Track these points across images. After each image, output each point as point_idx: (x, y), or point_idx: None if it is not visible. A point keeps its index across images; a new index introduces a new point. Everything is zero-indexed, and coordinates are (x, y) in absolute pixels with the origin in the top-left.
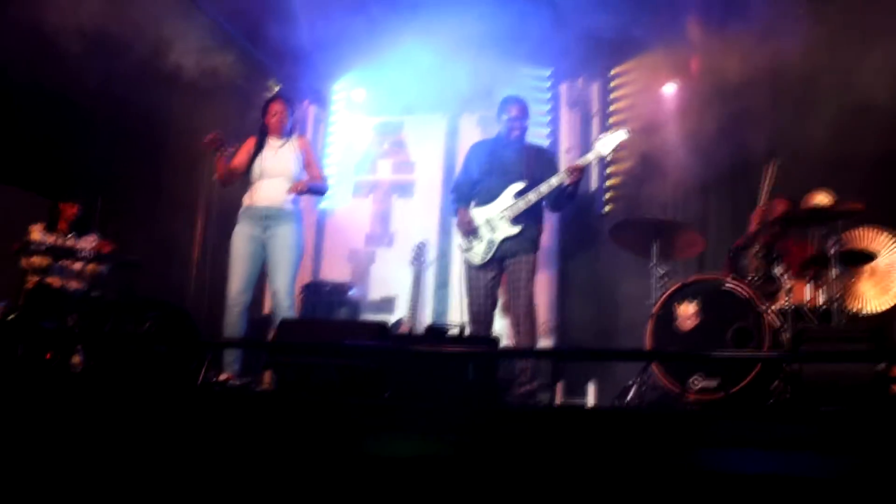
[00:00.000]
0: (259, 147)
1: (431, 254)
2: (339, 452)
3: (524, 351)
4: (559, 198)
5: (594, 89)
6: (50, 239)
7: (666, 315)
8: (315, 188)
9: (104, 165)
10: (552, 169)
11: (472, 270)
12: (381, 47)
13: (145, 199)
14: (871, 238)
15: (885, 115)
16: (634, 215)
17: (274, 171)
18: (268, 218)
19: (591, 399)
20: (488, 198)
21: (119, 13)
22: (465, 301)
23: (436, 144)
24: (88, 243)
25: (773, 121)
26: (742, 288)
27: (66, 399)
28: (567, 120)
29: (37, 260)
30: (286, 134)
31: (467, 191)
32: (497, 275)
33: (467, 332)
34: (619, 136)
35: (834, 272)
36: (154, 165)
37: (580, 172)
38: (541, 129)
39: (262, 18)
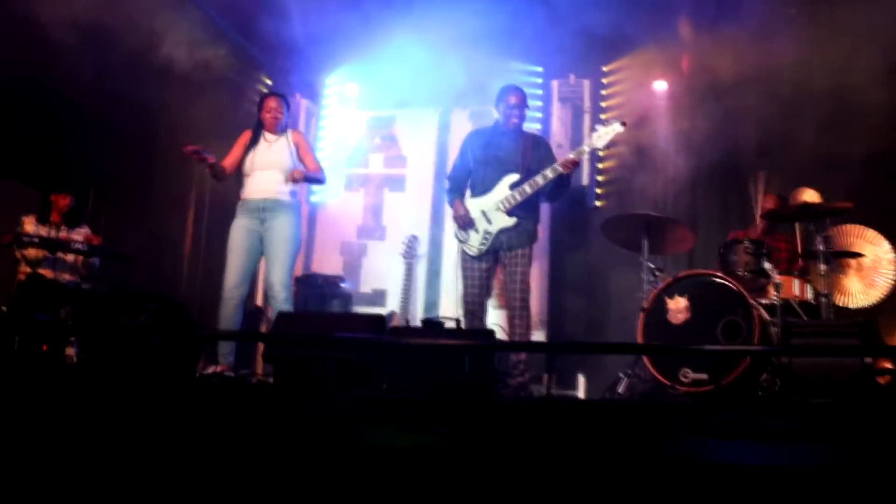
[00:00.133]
0: (254, 142)
1: (423, 247)
2: (336, 444)
3: (519, 344)
4: (554, 189)
5: (586, 86)
6: (42, 231)
7: (657, 309)
8: (312, 178)
9: (96, 158)
10: (548, 159)
11: (468, 260)
12: (374, 42)
13: (137, 191)
14: (856, 235)
15: (873, 116)
16: (626, 211)
17: (267, 164)
18: (264, 210)
19: (581, 391)
20: (484, 188)
21: (111, 6)
22: (460, 290)
23: (427, 139)
24: (80, 235)
25: (763, 119)
26: (732, 283)
27: (65, 391)
28: (558, 116)
29: (31, 252)
30: (281, 130)
31: (463, 179)
32: (492, 265)
33: (462, 323)
34: (614, 128)
35: (822, 268)
36: (146, 158)
37: (575, 164)
38: (532, 124)
39: (255, 12)
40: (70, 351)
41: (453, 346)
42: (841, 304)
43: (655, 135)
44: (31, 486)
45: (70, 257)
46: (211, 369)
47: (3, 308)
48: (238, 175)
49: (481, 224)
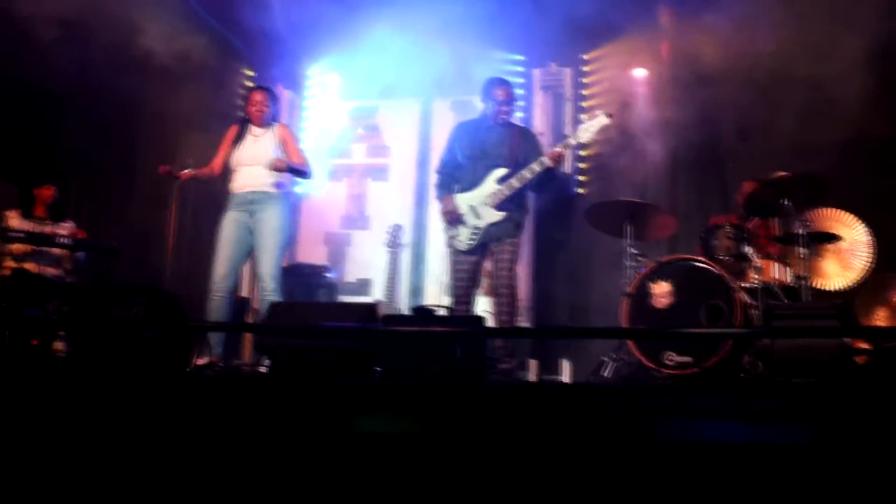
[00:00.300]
0: (240, 136)
1: (407, 236)
2: (330, 432)
3: (510, 330)
4: (541, 182)
5: (567, 74)
6: (27, 226)
7: (641, 294)
8: (296, 169)
9: (76, 152)
10: (535, 152)
11: (457, 254)
12: (356, 32)
13: (119, 184)
14: (833, 218)
15: (848, 102)
16: (608, 197)
17: (253, 158)
18: (253, 203)
19: (566, 376)
20: (472, 183)
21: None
22: (449, 283)
23: (410, 129)
24: (65, 230)
25: (742, 105)
26: (714, 267)
27: (60, 386)
28: (540, 104)
29: (16, 247)
30: (267, 123)
31: (451, 173)
32: (481, 258)
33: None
34: (600, 121)
35: (801, 251)
36: (127, 151)
37: (561, 157)
38: (514, 113)
39: (236, 3)
40: (59, 345)
41: (445, 333)
42: (818, 287)
43: (636, 122)
44: (31, 484)
45: (55, 251)
46: (201, 361)
47: None
48: (226, 170)
49: (470, 219)
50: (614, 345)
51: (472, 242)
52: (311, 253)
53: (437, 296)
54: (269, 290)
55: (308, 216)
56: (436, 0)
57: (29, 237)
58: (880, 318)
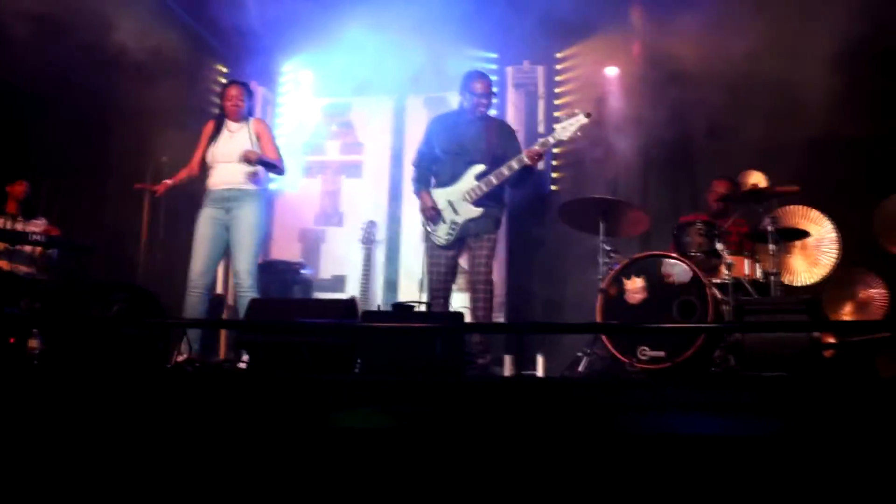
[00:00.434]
0: (216, 132)
1: (381, 232)
2: (310, 427)
3: (489, 325)
4: (519, 179)
5: (540, 72)
6: None
7: (615, 289)
8: (269, 163)
9: (49, 148)
10: (514, 147)
11: (434, 248)
12: (329, 29)
13: (90, 181)
14: (801, 215)
15: (815, 103)
16: (580, 194)
17: (228, 155)
18: (229, 200)
19: (540, 371)
20: (450, 178)
21: None
22: (425, 276)
23: (383, 125)
24: (38, 227)
25: (713, 105)
26: (686, 263)
27: (40, 384)
28: (513, 102)
29: None
30: (243, 118)
31: (427, 166)
32: (457, 252)
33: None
34: (578, 120)
35: (771, 248)
36: (100, 147)
37: (540, 156)
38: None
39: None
40: (33, 343)
41: (425, 329)
42: (787, 282)
43: (608, 120)
44: (23, 483)
45: (27, 249)
46: (179, 358)
47: None
48: (203, 166)
49: (448, 214)
50: (588, 340)
51: (449, 237)
52: (286, 249)
53: (411, 291)
54: (245, 286)
55: (283, 213)
56: None
57: (1, 234)
58: (846, 313)
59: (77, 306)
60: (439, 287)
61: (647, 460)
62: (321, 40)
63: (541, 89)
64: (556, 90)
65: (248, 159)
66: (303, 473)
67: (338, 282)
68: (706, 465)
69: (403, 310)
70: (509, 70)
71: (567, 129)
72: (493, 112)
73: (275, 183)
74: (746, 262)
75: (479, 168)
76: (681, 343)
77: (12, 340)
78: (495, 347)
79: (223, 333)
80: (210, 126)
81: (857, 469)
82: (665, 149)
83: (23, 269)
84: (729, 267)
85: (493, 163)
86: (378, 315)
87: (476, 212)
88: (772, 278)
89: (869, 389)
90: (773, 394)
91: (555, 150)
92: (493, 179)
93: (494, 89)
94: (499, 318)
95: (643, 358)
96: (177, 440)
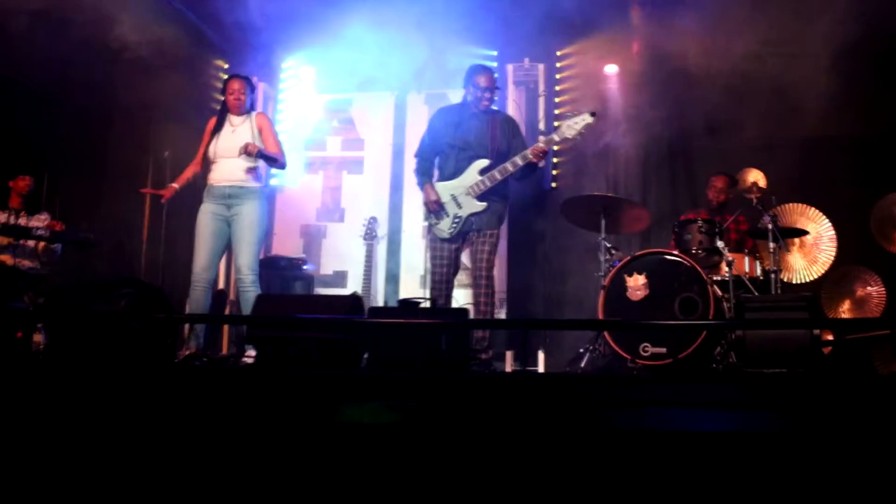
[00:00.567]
0: (218, 127)
1: (382, 228)
2: (318, 422)
3: (493, 321)
4: (523, 175)
5: (540, 70)
6: (2, 217)
7: (617, 286)
8: (270, 156)
9: (49, 142)
10: (518, 141)
11: (437, 241)
12: (330, 25)
13: (92, 175)
14: (799, 213)
15: (816, 102)
16: (580, 191)
17: (230, 150)
18: (231, 196)
19: (541, 366)
20: (453, 172)
21: None
22: (428, 268)
23: (384, 122)
24: (41, 222)
25: (712, 103)
26: (688, 261)
27: (50, 379)
28: (514, 99)
29: None
30: (245, 112)
31: (431, 158)
32: (460, 246)
33: (427, 302)
34: (584, 119)
35: (771, 246)
36: (101, 142)
37: (545, 154)
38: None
39: None
40: (38, 337)
41: (432, 325)
42: (785, 280)
43: (608, 117)
44: (31, 483)
45: (31, 243)
46: (183, 352)
47: None
48: (205, 161)
49: (451, 208)
50: (590, 336)
51: (453, 231)
52: (287, 245)
53: (412, 286)
54: (247, 282)
55: (284, 208)
56: None
57: (6, 229)
58: (844, 310)
59: (84, 302)
60: (441, 280)
61: (650, 456)
62: (322, 36)
63: (541, 87)
64: (557, 88)
65: (248, 152)
66: (311, 467)
67: (339, 277)
68: (708, 461)
69: (410, 306)
70: (510, 67)
71: (572, 127)
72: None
73: (276, 178)
74: (746, 260)
75: (483, 163)
76: (682, 340)
77: (19, 335)
78: (496, 343)
79: (225, 328)
80: (212, 122)
81: (858, 465)
82: (664, 146)
83: (26, 263)
84: (729, 264)
85: (497, 158)
86: (385, 311)
87: (479, 206)
88: (772, 276)
89: (868, 386)
90: (774, 390)
91: (555, 147)
92: (497, 175)
93: (498, 84)
94: (500, 313)
95: (645, 354)
96: (187, 434)
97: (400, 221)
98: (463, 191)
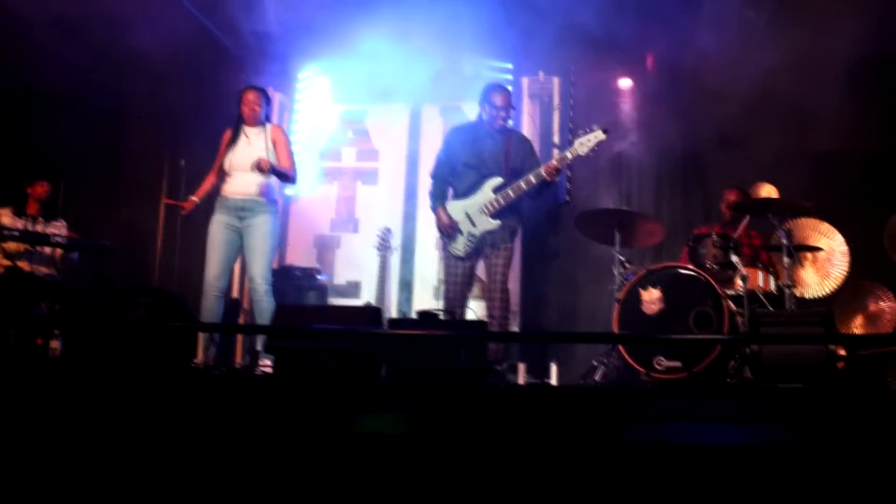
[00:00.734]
0: (234, 139)
1: (396, 239)
2: (337, 432)
3: (512, 334)
4: (536, 193)
5: (555, 83)
6: (20, 224)
7: (631, 300)
8: (281, 172)
9: (65, 150)
10: (532, 160)
11: (451, 258)
12: (347, 37)
13: (108, 183)
14: (812, 228)
15: (829, 116)
16: (593, 205)
17: (244, 163)
18: (243, 209)
19: (554, 379)
20: (467, 190)
21: None
22: (441, 284)
23: (399, 133)
24: (58, 229)
25: (725, 117)
26: (703, 275)
27: (71, 386)
28: (528, 112)
29: (10, 245)
30: (260, 123)
31: (446, 179)
32: (474, 262)
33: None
34: (596, 136)
35: (786, 261)
36: (115, 150)
37: (558, 171)
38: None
39: (228, 3)
40: (55, 344)
41: (451, 337)
42: (798, 295)
43: (622, 131)
44: (48, 485)
45: (48, 250)
46: (203, 361)
47: None
48: (220, 172)
49: (465, 226)
50: (604, 349)
51: (468, 249)
52: (301, 255)
53: (426, 296)
54: (261, 292)
55: (298, 218)
56: (426, 7)
57: (24, 235)
58: (857, 326)
59: (103, 309)
60: (455, 297)
61: (666, 470)
62: (339, 47)
63: (556, 100)
64: (571, 101)
65: (260, 168)
66: (332, 477)
67: (352, 287)
68: (723, 475)
69: (429, 318)
70: (524, 80)
71: (585, 144)
72: (508, 124)
73: (290, 189)
74: (760, 275)
75: (497, 181)
76: (697, 354)
77: (39, 342)
78: (509, 355)
79: (239, 338)
80: (228, 133)
81: (871, 480)
82: (677, 160)
83: (43, 270)
84: (744, 279)
85: (511, 176)
86: (405, 323)
87: (494, 224)
88: (787, 291)
89: (882, 402)
90: (789, 404)
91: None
92: (511, 193)
93: (513, 102)
94: (513, 326)
95: (659, 368)
96: (207, 443)
97: (414, 229)
98: (477, 209)
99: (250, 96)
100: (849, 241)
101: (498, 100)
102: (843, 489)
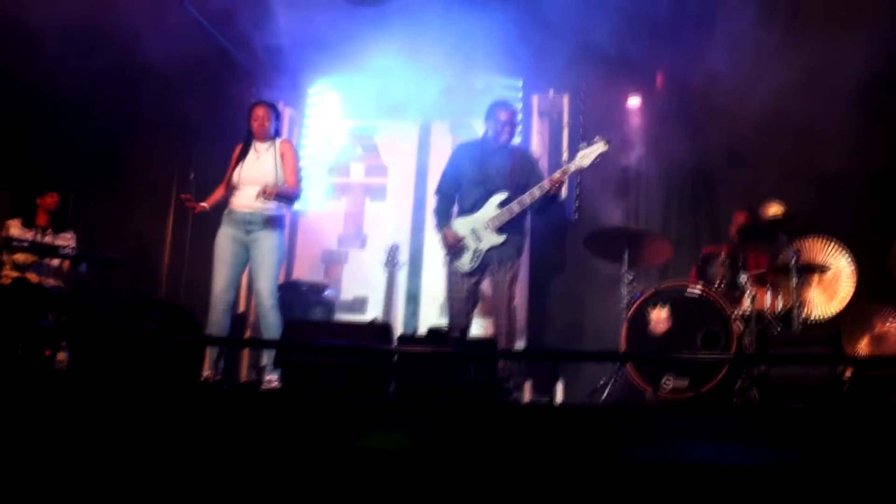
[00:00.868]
0: (243, 153)
1: (403, 255)
2: (343, 447)
3: (524, 352)
4: (541, 206)
5: (565, 101)
6: (28, 235)
7: (639, 319)
8: (284, 195)
9: (75, 161)
10: (536, 175)
11: (456, 276)
12: (356, 53)
13: (117, 195)
14: (819, 247)
15: (838, 136)
16: (601, 223)
17: (254, 178)
18: (250, 223)
19: (559, 397)
20: (472, 206)
21: (94, 7)
22: (448, 302)
23: (408, 150)
24: (66, 240)
25: (734, 136)
26: (711, 295)
27: (79, 398)
28: (538, 130)
29: (19, 256)
30: (269, 137)
31: (450, 195)
32: (480, 279)
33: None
34: (598, 147)
35: (794, 281)
36: (126, 162)
37: (561, 183)
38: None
39: (240, 17)
40: (62, 356)
41: (461, 354)
42: (805, 315)
43: (630, 149)
44: (56, 496)
45: (55, 262)
46: (211, 375)
47: None
48: (229, 186)
49: (471, 242)
50: (610, 367)
51: (473, 265)
52: (308, 270)
53: (432, 312)
54: (267, 306)
55: (306, 233)
56: (436, 24)
57: (33, 247)
58: (863, 347)
59: (111, 321)
60: (460, 314)
61: (675, 489)
62: (349, 63)
63: (565, 118)
64: (581, 119)
65: (266, 197)
66: (340, 493)
67: (359, 303)
68: (730, 495)
69: (439, 335)
70: (534, 98)
71: (587, 156)
72: (517, 140)
73: (298, 203)
74: (768, 295)
75: (502, 196)
76: (704, 373)
77: (47, 353)
78: (515, 373)
79: (245, 353)
80: (239, 148)
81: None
82: (686, 178)
83: (50, 281)
84: (752, 299)
85: (516, 191)
86: (414, 340)
87: (499, 239)
88: (795, 311)
89: (891, 423)
90: (798, 425)
91: (578, 178)
92: (516, 207)
93: (519, 117)
94: (519, 343)
95: (667, 387)
96: (216, 457)
97: (422, 241)
98: (482, 224)
99: (259, 111)
100: (856, 262)
101: (502, 116)
102: None
